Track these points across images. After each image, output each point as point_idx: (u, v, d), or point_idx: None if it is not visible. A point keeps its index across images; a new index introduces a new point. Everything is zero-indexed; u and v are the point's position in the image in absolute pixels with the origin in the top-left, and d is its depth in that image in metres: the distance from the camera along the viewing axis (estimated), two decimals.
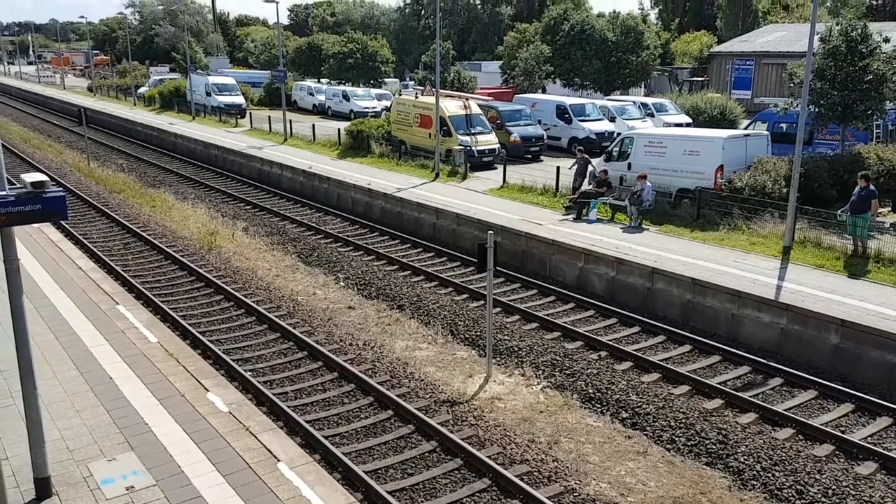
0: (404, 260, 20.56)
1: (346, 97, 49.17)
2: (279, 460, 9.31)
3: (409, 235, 23.03)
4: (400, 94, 40.86)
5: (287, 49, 63.91)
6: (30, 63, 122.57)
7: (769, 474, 10.48)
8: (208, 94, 50.60)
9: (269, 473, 9.03)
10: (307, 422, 11.72)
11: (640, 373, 13.76)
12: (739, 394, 12.72)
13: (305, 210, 27.22)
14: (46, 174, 28.88)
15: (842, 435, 11.43)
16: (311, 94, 53.59)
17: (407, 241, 22.67)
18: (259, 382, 13.10)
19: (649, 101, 39.03)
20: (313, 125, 38.96)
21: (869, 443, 11.33)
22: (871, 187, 16.86)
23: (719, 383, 13.21)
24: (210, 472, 9.01)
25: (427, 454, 11.08)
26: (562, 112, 34.32)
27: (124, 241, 22.75)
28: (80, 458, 9.28)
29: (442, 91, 30.71)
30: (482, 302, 16.53)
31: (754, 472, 10.54)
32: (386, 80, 61.77)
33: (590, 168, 23.26)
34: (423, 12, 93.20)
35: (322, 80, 61.68)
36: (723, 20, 69.91)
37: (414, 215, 23.96)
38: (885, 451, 10.97)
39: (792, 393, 13.05)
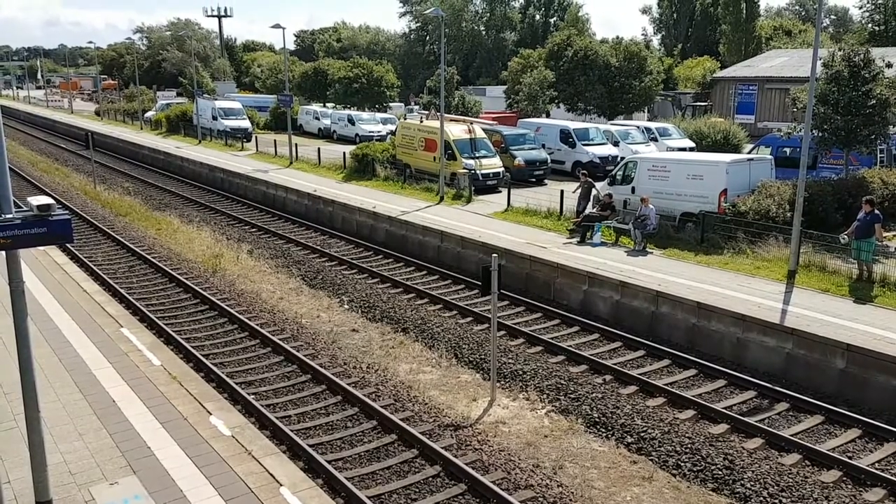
0: (408, 283, 20.55)
1: (351, 121, 49.49)
2: (282, 485, 9.26)
3: (414, 258, 23.05)
4: (405, 119, 41.12)
5: (293, 74, 64.50)
6: (38, 87, 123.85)
7: (776, 500, 10.37)
8: (214, 118, 50.99)
9: (272, 498, 8.97)
10: (310, 446, 11.65)
11: (646, 397, 13.68)
12: (745, 418, 12.62)
13: (310, 233, 27.30)
14: (53, 197, 28.89)
15: (849, 461, 11.31)
16: (317, 119, 53.94)
17: (411, 263, 22.69)
18: (262, 406, 13.04)
19: (653, 125, 39.21)
20: (319, 149, 39.19)
21: (877, 469, 11.19)
22: (876, 212, 16.83)
23: (725, 408, 13.12)
24: (212, 497, 8.95)
25: (431, 479, 10.99)
26: (566, 136, 34.46)
27: (129, 263, 22.82)
28: (82, 482, 9.24)
29: (446, 115, 30.91)
30: (486, 325, 16.48)
31: (761, 498, 10.43)
32: (391, 104, 62.20)
33: (594, 192, 23.30)
34: (427, 38, 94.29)
35: (328, 105, 62.15)
36: (725, 45, 70.33)
37: (418, 238, 24.00)
38: (893, 478, 10.85)
39: (798, 418, 12.95)
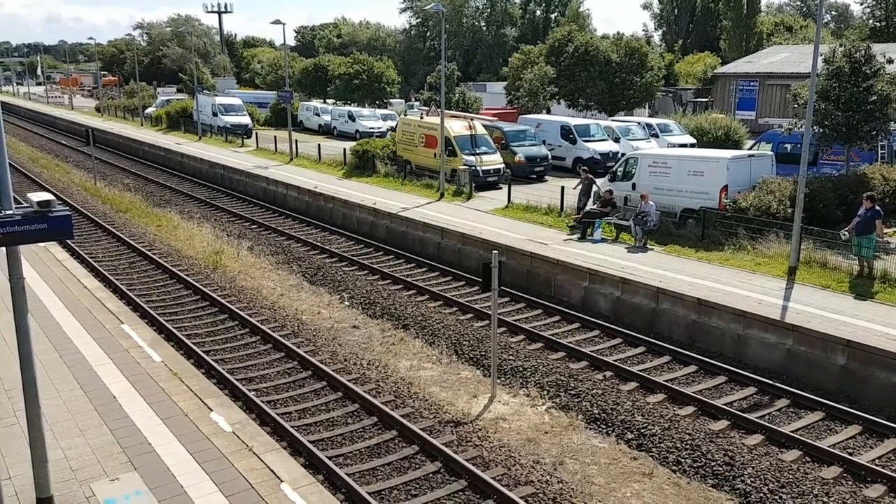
0: (409, 279, 20.55)
1: (351, 117, 49.42)
2: (282, 481, 9.27)
3: (414, 255, 23.05)
4: (405, 115, 41.07)
5: (293, 70, 64.43)
6: (38, 84, 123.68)
7: (776, 496, 10.38)
8: (215, 114, 50.94)
9: (272, 494, 8.98)
10: (311, 442, 11.67)
11: (646, 393, 13.68)
12: (746, 415, 12.63)
13: (310, 229, 27.29)
14: (53, 193, 29.04)
15: (849, 457, 11.32)
16: (317, 115, 53.90)
17: (412, 260, 22.69)
18: (263, 402, 13.06)
19: (653, 121, 39.13)
20: (319, 145, 39.17)
21: (877, 465, 11.21)
22: (877, 207, 16.82)
23: (725, 404, 13.12)
24: (213, 493, 8.96)
25: (431, 475, 11.00)
26: (566, 132, 34.42)
27: (130, 260, 22.82)
28: (82, 478, 9.25)
29: (447, 111, 30.87)
30: (487, 321, 16.48)
31: (761, 495, 10.44)
32: (391, 100, 62.13)
33: (594, 188, 23.30)
34: (428, 34, 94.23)
35: (328, 101, 62.08)
36: (726, 41, 70.23)
37: (419, 235, 23.99)
38: (893, 474, 10.85)
39: (798, 414, 12.95)
